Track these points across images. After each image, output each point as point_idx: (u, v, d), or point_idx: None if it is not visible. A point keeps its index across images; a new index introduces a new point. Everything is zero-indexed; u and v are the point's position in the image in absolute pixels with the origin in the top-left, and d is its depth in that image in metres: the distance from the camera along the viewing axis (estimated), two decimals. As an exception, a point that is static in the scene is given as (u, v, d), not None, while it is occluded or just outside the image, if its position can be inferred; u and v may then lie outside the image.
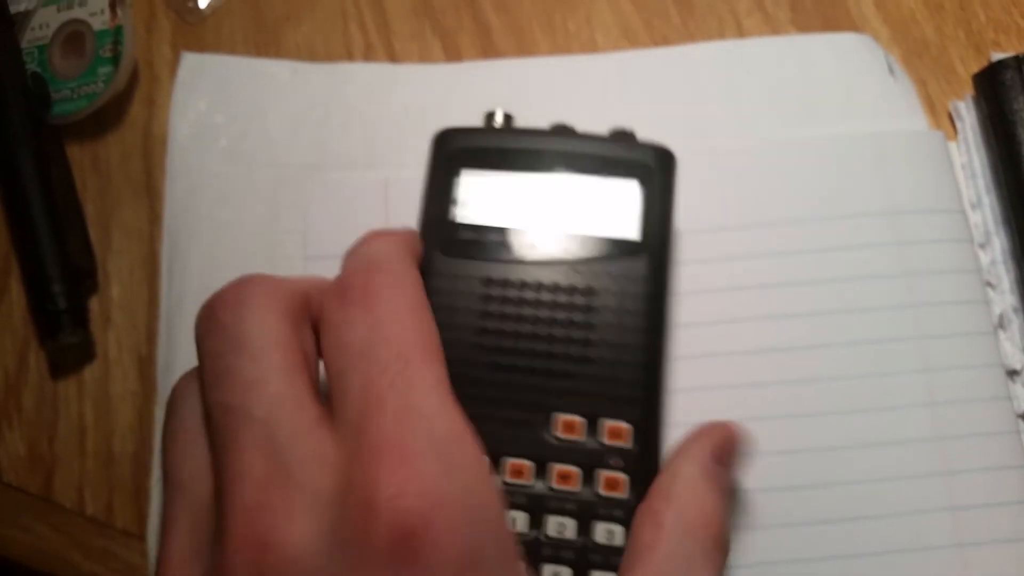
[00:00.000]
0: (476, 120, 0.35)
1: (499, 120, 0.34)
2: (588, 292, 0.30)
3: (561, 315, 0.29)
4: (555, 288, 0.30)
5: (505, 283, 0.30)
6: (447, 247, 0.30)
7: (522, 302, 0.30)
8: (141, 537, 0.32)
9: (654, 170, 0.31)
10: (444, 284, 0.30)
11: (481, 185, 0.31)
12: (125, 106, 0.38)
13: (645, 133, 0.35)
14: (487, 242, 0.30)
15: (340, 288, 0.25)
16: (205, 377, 0.23)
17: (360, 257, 0.26)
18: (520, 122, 0.34)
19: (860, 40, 0.38)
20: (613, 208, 0.31)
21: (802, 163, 0.36)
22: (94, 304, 0.36)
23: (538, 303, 0.30)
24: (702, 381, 0.33)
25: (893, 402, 0.33)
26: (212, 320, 0.24)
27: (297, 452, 0.22)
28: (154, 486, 0.33)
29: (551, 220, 0.31)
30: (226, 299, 0.24)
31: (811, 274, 0.34)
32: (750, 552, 0.31)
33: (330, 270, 0.34)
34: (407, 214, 0.34)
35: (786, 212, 0.35)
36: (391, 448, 0.21)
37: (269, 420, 0.22)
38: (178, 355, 0.33)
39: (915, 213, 0.35)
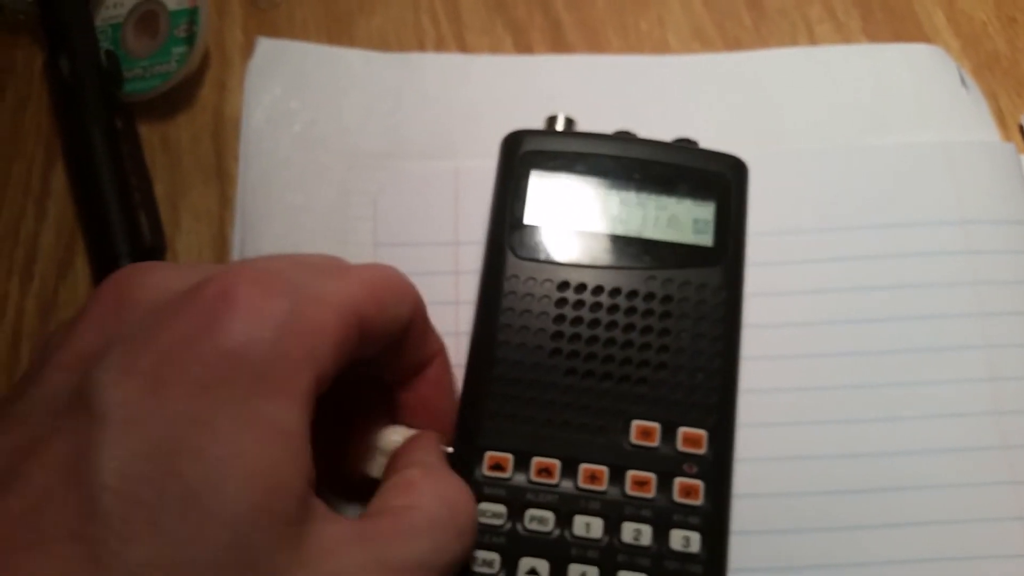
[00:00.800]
0: (546, 113, 0.35)
1: (561, 123, 0.34)
2: (665, 299, 0.30)
3: (638, 321, 0.29)
4: (632, 294, 0.30)
5: (581, 287, 0.30)
6: (520, 249, 0.30)
7: (598, 307, 0.30)
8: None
9: (729, 180, 0.32)
10: (517, 287, 0.30)
11: (554, 188, 0.31)
12: (196, 88, 0.38)
13: (716, 136, 0.35)
14: (562, 246, 0.30)
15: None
16: None
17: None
18: (587, 120, 0.34)
19: (932, 51, 0.38)
20: (689, 217, 0.31)
21: (873, 170, 0.36)
22: (161, 283, 0.36)
23: (614, 308, 0.30)
24: (768, 383, 0.33)
25: (959, 410, 0.32)
26: None
27: None
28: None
29: (627, 226, 0.31)
30: None
31: (879, 280, 0.34)
32: (812, 554, 0.31)
33: (399, 257, 0.34)
34: (476, 203, 0.34)
35: (856, 218, 0.35)
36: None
37: None
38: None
39: (985, 223, 0.35)
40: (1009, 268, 0.34)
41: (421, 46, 0.39)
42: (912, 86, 0.38)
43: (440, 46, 0.39)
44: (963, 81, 0.38)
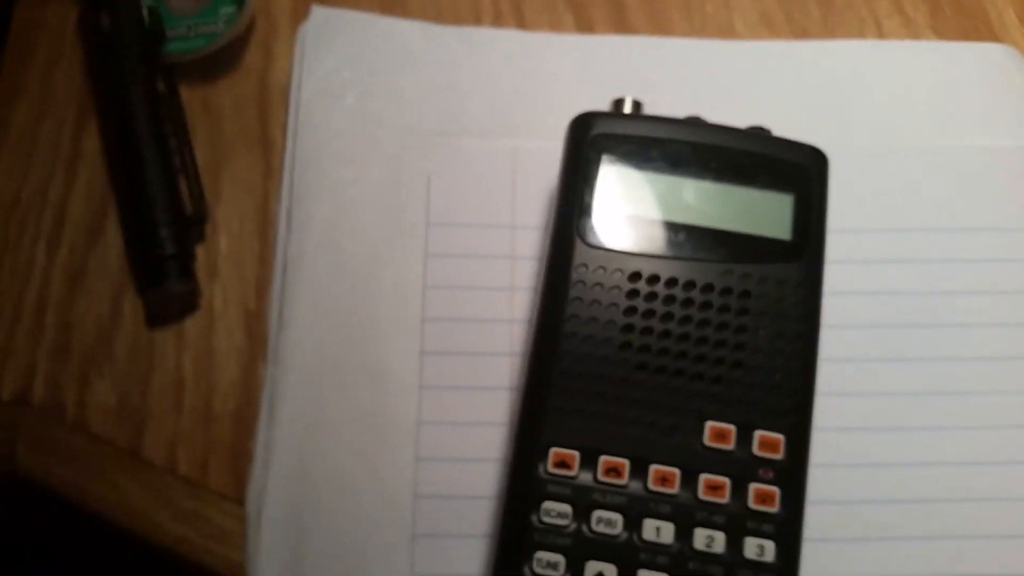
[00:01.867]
0: (609, 95, 0.33)
1: (628, 106, 0.32)
2: (743, 295, 0.28)
3: (713, 317, 0.28)
4: (707, 288, 0.28)
5: (654, 279, 0.28)
6: (589, 236, 0.29)
7: (671, 300, 0.28)
8: (238, 501, 0.31)
9: (809, 171, 0.30)
10: (586, 276, 0.28)
11: (626, 174, 0.30)
12: (240, 52, 0.37)
13: (778, 126, 0.33)
14: (633, 234, 0.29)
15: None
16: None
17: None
18: (652, 104, 0.33)
19: (1004, 51, 0.37)
20: (767, 209, 0.30)
21: (941, 171, 0.35)
22: (200, 254, 0.34)
23: (689, 302, 0.28)
24: (838, 387, 0.31)
25: (1015, 420, 0.31)
26: None
27: None
28: (258, 447, 0.31)
29: (701, 216, 0.29)
30: None
31: (946, 285, 0.33)
32: (880, 564, 0.30)
33: (453, 238, 0.33)
34: (536, 186, 0.33)
35: (923, 220, 0.34)
36: None
37: None
38: (295, 312, 0.32)
39: (1053, 232, 0.34)
40: (1077, 278, 0.33)
41: (477, 20, 0.37)
42: (983, 86, 0.37)
43: (497, 21, 0.37)
44: (1036, 83, 0.37)
